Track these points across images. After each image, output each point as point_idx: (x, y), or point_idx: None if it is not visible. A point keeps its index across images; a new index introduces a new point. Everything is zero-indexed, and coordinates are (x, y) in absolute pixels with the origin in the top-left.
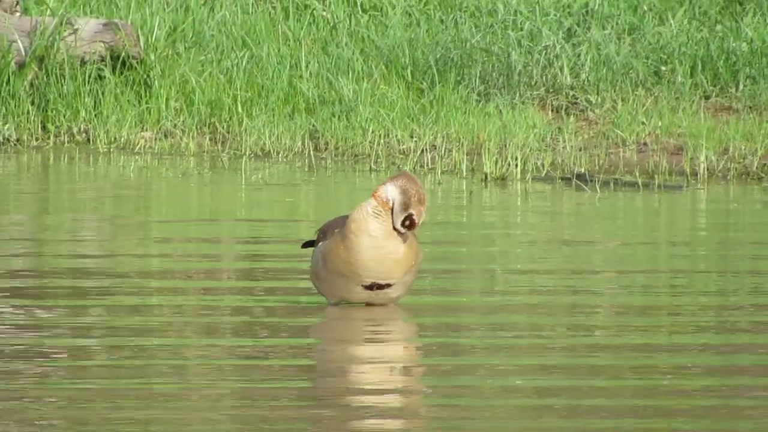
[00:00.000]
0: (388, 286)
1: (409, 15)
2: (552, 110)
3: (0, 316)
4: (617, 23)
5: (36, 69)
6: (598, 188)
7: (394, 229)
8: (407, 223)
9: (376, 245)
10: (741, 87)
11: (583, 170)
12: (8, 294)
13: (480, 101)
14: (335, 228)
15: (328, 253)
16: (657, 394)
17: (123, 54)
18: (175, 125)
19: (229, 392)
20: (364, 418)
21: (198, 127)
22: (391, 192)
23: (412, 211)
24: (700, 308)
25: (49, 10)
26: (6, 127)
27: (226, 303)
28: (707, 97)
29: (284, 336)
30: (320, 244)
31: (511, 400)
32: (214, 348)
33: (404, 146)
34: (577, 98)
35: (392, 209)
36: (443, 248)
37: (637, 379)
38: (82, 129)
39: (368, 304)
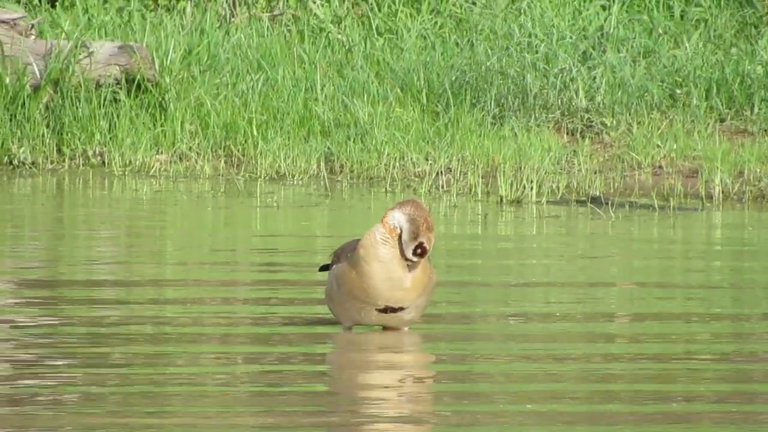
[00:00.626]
0: (402, 309)
1: (425, 38)
2: (567, 133)
3: (16, 325)
4: (632, 46)
5: (51, 92)
6: (612, 211)
7: (406, 259)
8: (419, 251)
9: (387, 270)
10: (756, 110)
11: (598, 193)
12: (23, 303)
13: (495, 124)
14: (349, 251)
15: (341, 277)
16: (672, 402)
17: (138, 77)
18: (190, 148)
19: (242, 398)
20: (375, 423)
21: (213, 149)
22: (398, 219)
23: (422, 239)
24: (714, 318)
25: (64, 34)
26: (21, 150)
27: (242, 313)
28: (722, 120)
29: (298, 344)
30: (334, 267)
31: (525, 407)
32: (228, 356)
33: (419, 169)
34: (592, 121)
35: (400, 236)
36: (458, 260)
37: (652, 387)
38: (97, 152)
39: (383, 328)
